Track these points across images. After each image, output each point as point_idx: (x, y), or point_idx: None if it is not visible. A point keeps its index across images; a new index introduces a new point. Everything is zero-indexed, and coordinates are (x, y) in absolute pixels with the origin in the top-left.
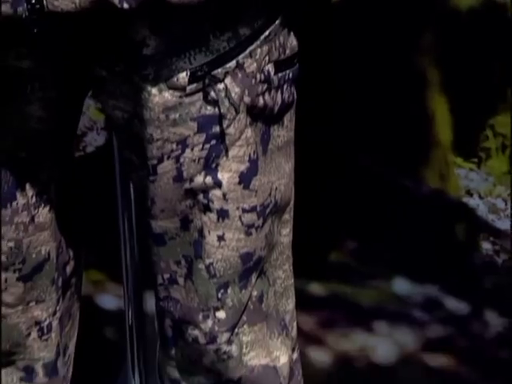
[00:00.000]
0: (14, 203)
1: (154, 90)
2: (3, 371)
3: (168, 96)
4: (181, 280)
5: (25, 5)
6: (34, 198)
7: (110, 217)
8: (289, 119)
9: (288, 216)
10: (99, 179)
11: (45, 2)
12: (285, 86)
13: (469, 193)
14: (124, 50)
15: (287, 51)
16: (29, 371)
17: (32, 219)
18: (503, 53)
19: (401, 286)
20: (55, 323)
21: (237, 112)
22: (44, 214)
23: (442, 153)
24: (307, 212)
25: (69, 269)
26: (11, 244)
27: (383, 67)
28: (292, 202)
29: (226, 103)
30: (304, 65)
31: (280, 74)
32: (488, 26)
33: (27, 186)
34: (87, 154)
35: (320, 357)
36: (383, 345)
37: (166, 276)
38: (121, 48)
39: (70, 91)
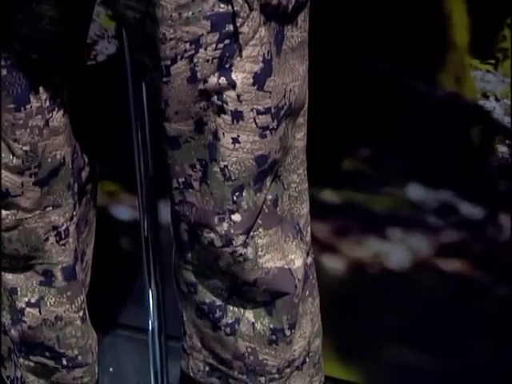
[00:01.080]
0: (28, 106)
1: None
2: (23, 275)
3: None
4: (196, 184)
5: None
6: (47, 101)
7: (123, 127)
8: (302, 19)
9: (302, 120)
10: (111, 87)
11: None
12: None
13: (485, 95)
14: None
15: None
16: (48, 275)
17: (46, 123)
18: None
19: (415, 191)
20: (72, 228)
21: (250, 10)
22: (58, 118)
23: (458, 55)
24: (319, 119)
25: (84, 174)
26: (26, 148)
27: None
28: (306, 106)
29: (240, 0)
30: None
31: None
32: None
33: (40, 89)
34: (99, 63)
35: (334, 264)
36: (397, 251)
37: (181, 180)
38: None
39: None
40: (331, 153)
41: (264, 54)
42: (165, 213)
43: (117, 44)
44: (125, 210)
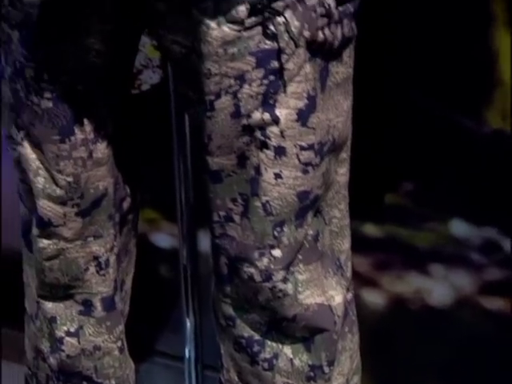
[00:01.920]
0: (73, 138)
1: (213, 24)
2: (62, 304)
3: (227, 30)
4: (237, 217)
5: None
6: (92, 133)
7: (165, 155)
8: (348, 55)
9: (345, 155)
10: (154, 117)
11: None
12: (345, 21)
13: None
14: None
15: None
16: (87, 305)
17: (90, 154)
18: None
19: (458, 228)
20: (113, 258)
21: (296, 46)
22: (102, 149)
23: (505, 92)
24: (363, 152)
25: (126, 205)
26: (70, 179)
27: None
28: (349, 141)
29: (286, 37)
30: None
31: (341, 8)
32: None
33: (85, 121)
34: (143, 92)
35: (374, 298)
36: (439, 287)
37: (222, 213)
38: None
39: (127, 24)
40: (374, 186)
41: (309, 91)
42: (204, 242)
43: (161, 74)
44: (164, 238)
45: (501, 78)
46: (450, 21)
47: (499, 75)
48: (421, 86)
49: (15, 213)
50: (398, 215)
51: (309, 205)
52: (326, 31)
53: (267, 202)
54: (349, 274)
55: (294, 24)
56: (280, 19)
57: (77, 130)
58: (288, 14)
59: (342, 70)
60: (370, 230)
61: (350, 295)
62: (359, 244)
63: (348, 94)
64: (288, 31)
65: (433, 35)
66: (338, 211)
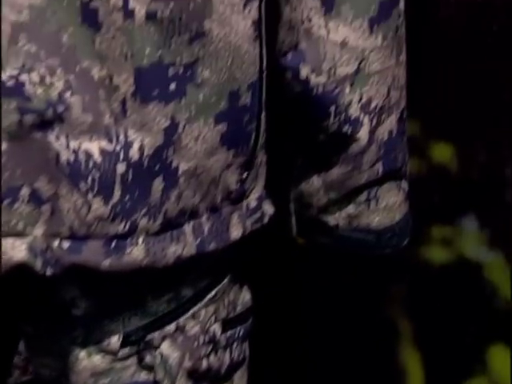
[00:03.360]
0: None
1: (83, 354)
2: None
3: (98, 360)
4: None
5: None
6: None
7: None
8: (240, 376)
9: None
10: None
11: None
12: (234, 345)
13: None
14: (51, 307)
15: (238, 308)
16: None
17: None
18: (477, 313)
19: None
20: None
21: (174, 378)
22: None
23: None
24: None
25: None
26: None
27: (352, 315)
28: None
29: (163, 369)
30: (261, 318)
31: (229, 333)
32: (461, 285)
33: None
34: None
35: None
36: None
37: None
38: (48, 305)
39: None
40: None
41: None
42: None
43: None
44: None
45: None
46: (357, 335)
47: None
48: None
49: None
50: None
51: None
52: (211, 359)
53: None
54: None
55: (173, 355)
56: (157, 351)
57: None
58: (166, 344)
59: None
60: None
61: None
62: None
63: None
64: (165, 363)
65: (340, 348)
66: None
